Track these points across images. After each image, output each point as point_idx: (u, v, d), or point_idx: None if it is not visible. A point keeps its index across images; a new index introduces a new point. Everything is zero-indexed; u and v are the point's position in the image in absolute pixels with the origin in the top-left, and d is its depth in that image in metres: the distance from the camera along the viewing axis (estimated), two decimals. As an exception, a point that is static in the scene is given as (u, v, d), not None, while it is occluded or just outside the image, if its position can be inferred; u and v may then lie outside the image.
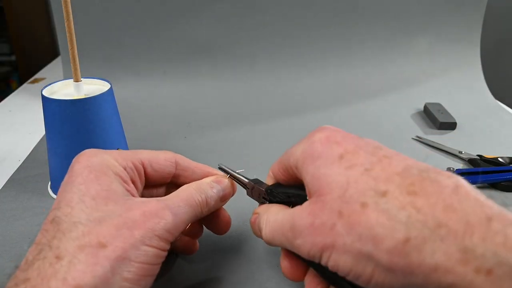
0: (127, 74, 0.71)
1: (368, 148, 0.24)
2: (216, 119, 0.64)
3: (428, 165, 0.22)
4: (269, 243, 0.27)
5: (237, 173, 0.32)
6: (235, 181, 0.32)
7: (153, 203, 0.25)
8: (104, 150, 0.28)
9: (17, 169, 0.48)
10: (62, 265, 0.21)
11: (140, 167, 0.29)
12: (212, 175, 0.31)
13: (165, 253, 0.25)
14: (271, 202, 0.29)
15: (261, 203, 0.31)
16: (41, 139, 0.56)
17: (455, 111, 0.66)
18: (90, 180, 0.25)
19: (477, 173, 0.47)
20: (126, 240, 0.22)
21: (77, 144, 0.38)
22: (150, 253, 0.23)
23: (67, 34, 0.36)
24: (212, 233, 0.33)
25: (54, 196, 0.43)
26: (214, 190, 0.30)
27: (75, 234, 0.22)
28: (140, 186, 0.29)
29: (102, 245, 0.22)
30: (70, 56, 0.38)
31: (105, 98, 0.39)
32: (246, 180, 0.31)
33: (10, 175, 0.47)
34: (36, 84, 0.80)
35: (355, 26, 0.75)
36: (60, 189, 0.25)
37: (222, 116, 0.65)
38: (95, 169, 0.25)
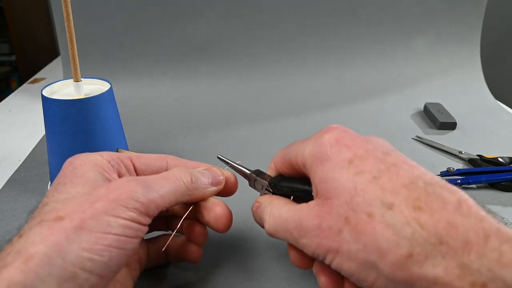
0: (127, 74, 0.71)
1: (377, 154, 0.24)
2: (216, 119, 0.64)
3: (434, 177, 0.23)
4: (271, 235, 0.27)
5: (238, 164, 0.32)
6: (237, 172, 0.32)
7: (121, 179, 0.26)
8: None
9: (17, 169, 0.48)
10: (20, 241, 0.22)
11: (128, 162, 0.29)
12: None
13: (138, 226, 0.24)
14: (274, 194, 0.29)
15: (263, 193, 0.31)
16: (41, 139, 0.56)
17: (455, 111, 0.66)
18: (68, 172, 0.26)
19: (477, 173, 0.47)
20: (85, 211, 0.23)
21: (77, 144, 0.38)
22: (114, 223, 0.23)
23: (67, 34, 0.36)
24: (212, 233, 0.33)
25: (54, 196, 0.43)
26: (203, 174, 0.29)
27: (38, 215, 0.23)
28: None
29: (60, 218, 0.22)
30: (70, 56, 0.38)
31: (105, 98, 0.39)
32: (248, 172, 0.31)
33: (10, 175, 0.47)
34: (36, 84, 0.80)
35: (355, 26, 0.75)
36: None
37: (222, 116, 0.65)
38: (76, 163, 0.27)
